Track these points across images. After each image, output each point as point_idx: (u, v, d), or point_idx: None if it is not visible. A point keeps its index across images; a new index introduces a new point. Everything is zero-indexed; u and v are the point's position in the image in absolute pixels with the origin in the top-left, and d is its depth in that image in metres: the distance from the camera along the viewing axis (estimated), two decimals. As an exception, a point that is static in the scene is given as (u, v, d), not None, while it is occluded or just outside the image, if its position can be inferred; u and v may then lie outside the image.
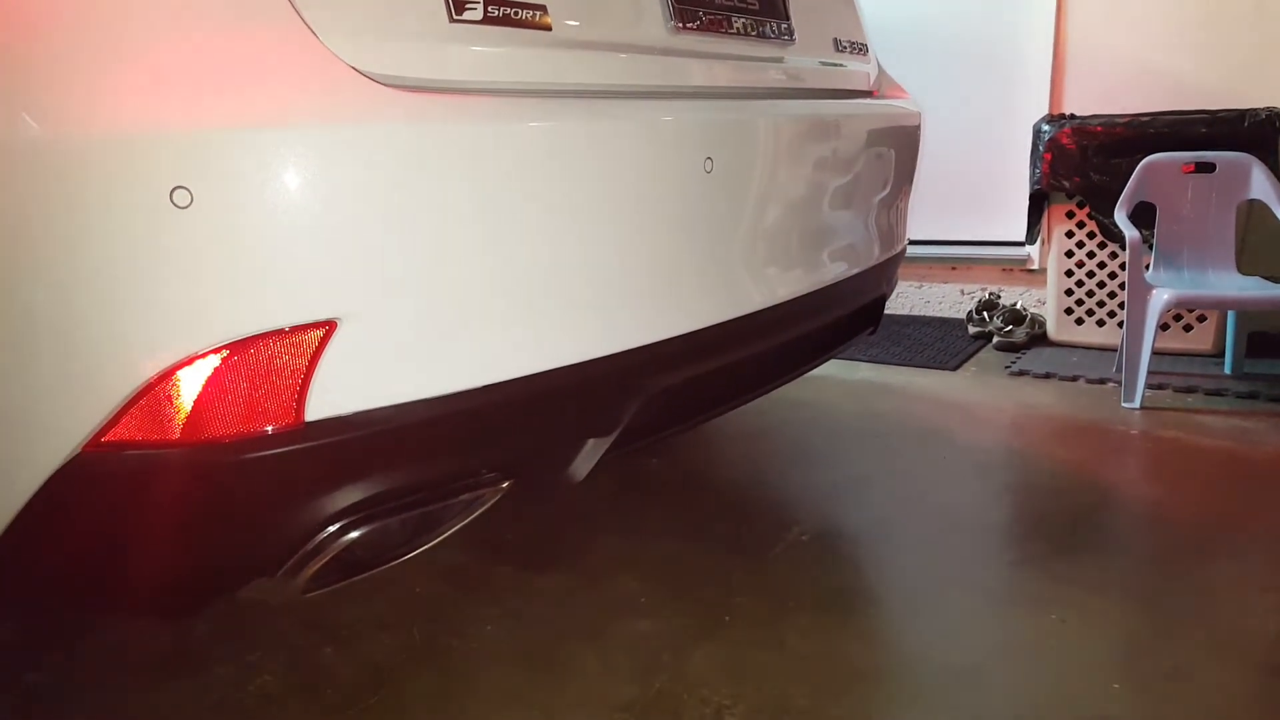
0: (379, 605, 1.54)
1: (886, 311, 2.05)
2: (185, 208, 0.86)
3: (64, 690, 1.36)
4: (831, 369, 2.88)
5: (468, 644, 1.43)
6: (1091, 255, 3.01)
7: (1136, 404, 2.44)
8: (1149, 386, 2.50)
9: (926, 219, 3.42)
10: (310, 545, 1.04)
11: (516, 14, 1.09)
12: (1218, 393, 2.54)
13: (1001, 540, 1.76)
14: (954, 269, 3.54)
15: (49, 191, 0.87)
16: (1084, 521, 1.79)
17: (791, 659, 1.37)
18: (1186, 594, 1.51)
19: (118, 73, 0.87)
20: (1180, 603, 1.49)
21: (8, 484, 0.96)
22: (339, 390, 0.98)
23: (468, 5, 1.04)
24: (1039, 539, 1.73)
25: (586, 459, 1.27)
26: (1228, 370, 2.70)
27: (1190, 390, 2.57)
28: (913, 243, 2.10)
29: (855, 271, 1.70)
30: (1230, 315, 2.70)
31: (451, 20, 1.03)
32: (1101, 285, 3.02)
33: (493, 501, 1.21)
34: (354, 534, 1.05)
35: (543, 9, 1.12)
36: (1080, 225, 3.00)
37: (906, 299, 3.63)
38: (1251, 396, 2.50)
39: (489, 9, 1.06)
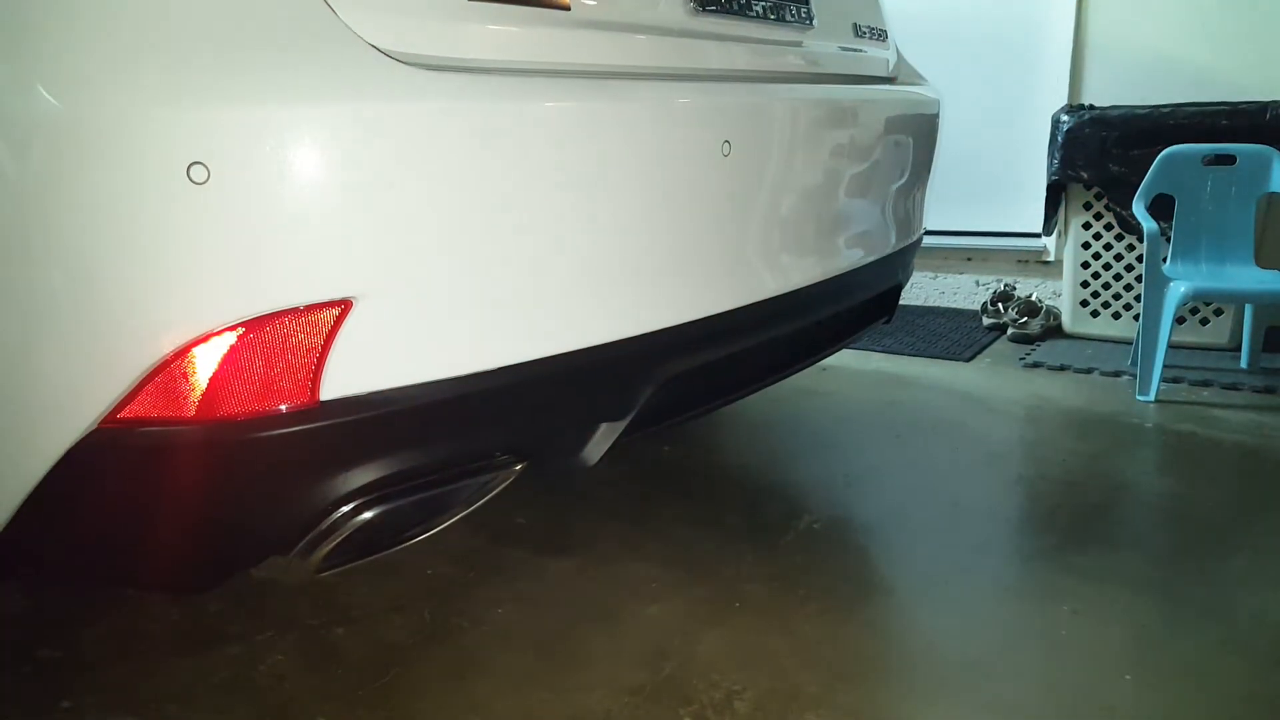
0: (391, 586, 1.55)
1: (901, 302, 2.04)
2: (202, 184, 0.86)
3: (76, 666, 1.36)
4: (845, 358, 2.87)
5: (479, 626, 1.44)
6: (1108, 247, 2.98)
7: (1151, 397, 2.42)
8: (1164, 380, 2.48)
9: (942, 209, 3.37)
10: (324, 525, 1.04)
11: (535, -8, 1.08)
12: (1234, 387, 2.52)
13: (1014, 531, 1.75)
14: (969, 259, 3.52)
15: (66, 166, 0.86)
16: (1097, 514, 1.78)
17: (802, 646, 1.36)
18: (1201, 589, 1.50)
19: (135, 48, 0.87)
20: (1194, 597, 1.48)
21: (24, 459, 0.97)
22: (354, 369, 0.97)
23: (486, -17, 1.03)
24: (1052, 531, 1.72)
25: (600, 443, 1.27)
26: (1244, 365, 2.68)
27: (1206, 384, 2.55)
28: (928, 233, 2.08)
29: (871, 259, 1.69)
30: (1247, 309, 2.68)
31: (470, -2, 1.02)
32: (1118, 277, 2.99)
33: (506, 484, 1.21)
34: (368, 514, 1.06)
35: (561, -12, 1.11)
36: (1098, 217, 2.97)
37: (921, 289, 3.61)
38: (1268, 391, 2.48)
39: (507, -13, 1.05)
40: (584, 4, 1.14)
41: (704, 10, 1.31)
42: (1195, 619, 1.41)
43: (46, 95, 0.86)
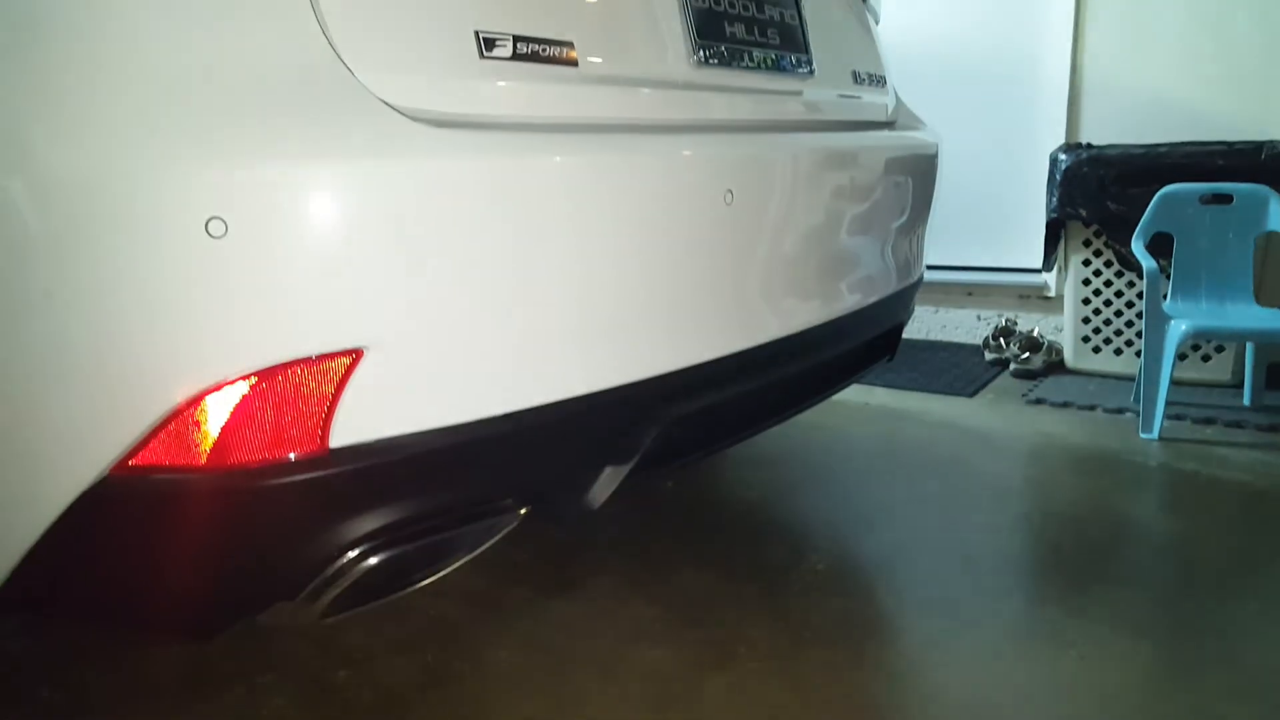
0: (393, 629, 1.55)
1: (903, 335, 2.06)
2: (220, 238, 0.88)
3: (79, 707, 1.36)
4: (848, 394, 2.87)
5: (481, 670, 1.44)
6: (1109, 284, 3.00)
7: (1155, 435, 2.43)
8: (1167, 417, 2.48)
9: (943, 244, 3.40)
10: (330, 570, 1.05)
11: (544, 50, 1.11)
12: (1237, 424, 2.53)
13: (1020, 574, 1.75)
14: (970, 294, 3.54)
15: (87, 219, 0.88)
16: (1103, 556, 1.78)
17: (806, 693, 1.36)
18: (1208, 632, 1.50)
19: (158, 106, 0.89)
20: (1202, 641, 1.47)
21: (37, 503, 0.98)
22: (363, 417, 0.99)
23: (497, 42, 1.06)
24: (1057, 573, 1.72)
25: (604, 486, 1.28)
26: (1246, 402, 2.68)
27: (1209, 422, 2.56)
28: (929, 267, 2.11)
29: (872, 300, 1.70)
30: (1249, 347, 2.69)
31: (481, 57, 1.05)
32: (1119, 314, 3.01)
33: (510, 528, 1.21)
34: (374, 560, 1.06)
35: (569, 45, 1.14)
36: (1097, 254, 3.00)
37: (923, 324, 3.63)
38: (1272, 430, 2.48)
39: (518, 46, 1.08)
40: (590, 60, 1.17)
41: (706, 63, 1.34)
42: (1202, 665, 1.41)
43: (72, 151, 0.88)
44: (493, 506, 1.19)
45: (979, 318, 3.53)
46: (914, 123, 1.93)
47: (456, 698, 1.37)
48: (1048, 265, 3.11)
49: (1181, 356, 2.82)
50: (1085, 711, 1.30)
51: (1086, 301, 3.05)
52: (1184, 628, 1.51)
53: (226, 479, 0.96)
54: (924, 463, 2.30)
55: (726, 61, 1.38)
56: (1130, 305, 2.98)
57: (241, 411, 0.94)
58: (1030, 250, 3.28)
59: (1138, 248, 2.56)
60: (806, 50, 1.57)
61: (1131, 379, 2.80)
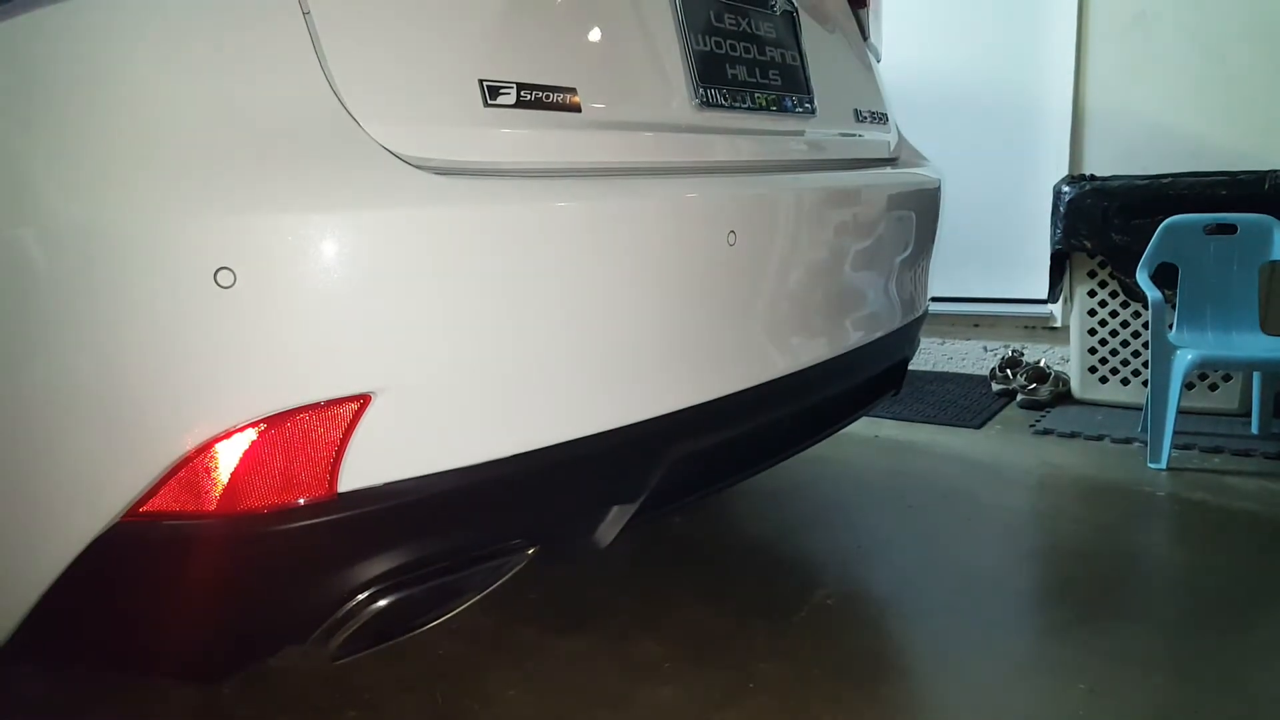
0: (402, 667, 1.55)
1: (910, 367, 2.06)
2: (228, 288, 0.89)
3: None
4: (857, 427, 2.87)
5: (490, 708, 1.43)
6: (1114, 314, 3.01)
7: (1163, 465, 2.42)
8: (1175, 447, 2.47)
9: (948, 275, 3.43)
10: (340, 613, 1.06)
11: (548, 97, 1.13)
12: (1245, 453, 2.51)
13: (1028, 606, 1.74)
14: (976, 325, 3.54)
15: (98, 271, 0.90)
16: (1112, 587, 1.77)
17: (816, 730, 1.35)
18: (1218, 665, 1.48)
19: (166, 158, 0.91)
20: (1212, 674, 1.46)
21: (50, 550, 0.99)
22: (371, 461, 1.00)
23: (501, 90, 1.08)
24: (1066, 605, 1.71)
25: (612, 525, 1.28)
26: (1254, 430, 2.67)
27: (1217, 451, 2.55)
28: (934, 299, 2.12)
29: (877, 336, 1.71)
30: (1256, 376, 2.68)
31: (486, 105, 1.07)
32: (1125, 344, 3.01)
33: (518, 568, 1.22)
34: (383, 602, 1.07)
35: (572, 91, 1.16)
36: (1103, 284, 3.00)
37: (929, 355, 3.63)
38: (1279, 458, 2.48)
39: (522, 94, 1.10)
40: (594, 106, 1.19)
41: (708, 105, 1.36)
42: (1213, 698, 1.39)
43: (84, 202, 0.90)
44: (501, 547, 1.19)
45: (985, 349, 3.54)
46: (916, 159, 1.95)
47: (464, 739, 1.36)
48: (1053, 296, 3.11)
49: (1189, 385, 2.82)
50: (1098, 750, 1.29)
51: (1092, 332, 3.05)
52: (1193, 659, 1.50)
53: (236, 524, 0.97)
54: (932, 495, 2.30)
55: (728, 103, 1.40)
56: (1136, 335, 2.98)
57: (251, 458, 0.95)
58: (1036, 281, 3.29)
59: (1142, 278, 2.57)
60: (808, 90, 1.60)
61: (1139, 409, 2.79)
